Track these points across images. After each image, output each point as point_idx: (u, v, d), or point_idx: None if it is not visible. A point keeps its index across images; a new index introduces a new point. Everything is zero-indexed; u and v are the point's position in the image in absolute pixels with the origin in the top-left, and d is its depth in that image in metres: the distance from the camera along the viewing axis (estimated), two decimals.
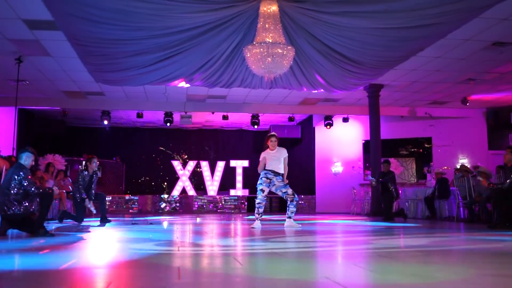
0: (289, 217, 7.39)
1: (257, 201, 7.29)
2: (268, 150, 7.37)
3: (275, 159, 7.28)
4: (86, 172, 8.28)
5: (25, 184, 5.26)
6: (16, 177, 5.27)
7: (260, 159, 7.38)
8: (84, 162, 8.48)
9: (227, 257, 3.55)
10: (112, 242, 4.87)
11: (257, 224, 7.09)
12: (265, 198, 7.32)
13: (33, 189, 5.30)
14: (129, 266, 3.12)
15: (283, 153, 7.35)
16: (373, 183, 10.26)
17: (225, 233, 6.14)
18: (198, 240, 5.09)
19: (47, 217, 9.46)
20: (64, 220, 8.48)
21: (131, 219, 9.83)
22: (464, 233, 6.31)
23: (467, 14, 6.69)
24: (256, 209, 7.28)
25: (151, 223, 7.91)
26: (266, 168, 7.30)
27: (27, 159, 5.47)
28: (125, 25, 7.08)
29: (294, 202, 7.36)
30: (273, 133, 7.61)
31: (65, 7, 6.74)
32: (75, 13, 6.81)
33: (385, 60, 8.63)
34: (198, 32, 7.40)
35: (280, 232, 6.25)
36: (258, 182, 7.31)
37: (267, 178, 7.24)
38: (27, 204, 5.28)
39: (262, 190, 7.25)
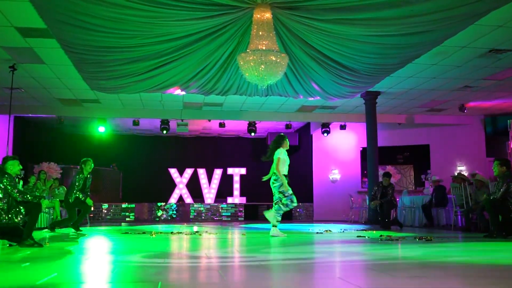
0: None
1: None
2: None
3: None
4: (80, 175, 8.29)
5: (9, 190, 5.18)
6: (1, 186, 5.19)
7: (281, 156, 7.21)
8: (80, 165, 8.45)
9: (211, 271, 3.47)
10: (99, 253, 4.78)
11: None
12: None
13: (15, 192, 5.21)
14: (108, 280, 3.03)
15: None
16: (375, 205, 10.22)
17: (216, 243, 6.05)
18: (185, 251, 5.01)
19: (41, 226, 9.40)
20: (55, 229, 8.39)
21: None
22: (461, 243, 6.21)
23: (463, 21, 6.63)
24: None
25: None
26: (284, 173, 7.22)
27: (12, 167, 5.40)
28: (118, 32, 7.04)
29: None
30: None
31: (57, 15, 6.69)
32: (67, 21, 6.77)
33: (381, 67, 8.57)
34: (192, 40, 7.36)
35: (277, 241, 6.17)
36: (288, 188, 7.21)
37: None
38: (13, 214, 5.19)
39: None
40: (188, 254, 4.68)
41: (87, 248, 5.39)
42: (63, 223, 8.45)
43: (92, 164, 8.49)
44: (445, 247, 5.38)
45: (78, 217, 8.40)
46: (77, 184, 8.20)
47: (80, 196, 8.15)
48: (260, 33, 6.55)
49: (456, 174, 11.34)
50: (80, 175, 8.29)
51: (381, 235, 7.01)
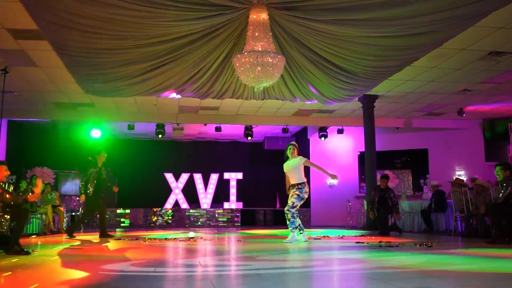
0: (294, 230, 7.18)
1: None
2: (286, 161, 7.36)
3: (291, 170, 7.18)
4: (95, 168, 8.28)
5: None
6: None
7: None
8: (93, 157, 8.47)
9: (203, 281, 3.28)
10: (87, 261, 4.58)
11: (300, 237, 7.08)
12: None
13: (6, 196, 5.02)
14: None
15: (297, 161, 7.20)
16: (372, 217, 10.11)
17: (211, 250, 5.86)
18: (178, 259, 4.82)
19: (32, 232, 9.20)
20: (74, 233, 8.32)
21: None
22: (462, 250, 6.03)
23: (463, 22, 6.49)
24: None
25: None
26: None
27: None
28: (111, 34, 6.85)
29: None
30: (292, 142, 7.57)
31: (49, 16, 6.51)
32: (59, 22, 6.59)
33: (379, 70, 8.41)
34: (187, 41, 7.19)
35: (275, 248, 5.98)
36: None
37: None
38: None
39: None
40: (181, 262, 4.49)
41: (75, 256, 5.19)
42: (78, 225, 8.36)
43: (106, 155, 8.40)
44: (448, 254, 5.20)
45: (73, 223, 8.33)
46: (90, 178, 8.16)
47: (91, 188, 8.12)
48: (256, 34, 6.39)
49: (454, 179, 11.18)
50: (92, 170, 8.16)
51: (380, 241, 6.83)
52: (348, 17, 6.26)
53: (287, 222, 7.10)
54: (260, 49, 6.32)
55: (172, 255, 5.33)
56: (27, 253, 5.01)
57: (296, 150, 7.30)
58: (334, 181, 15.78)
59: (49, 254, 5.17)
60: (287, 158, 7.37)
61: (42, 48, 8.43)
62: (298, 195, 7.00)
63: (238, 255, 5.12)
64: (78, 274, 3.55)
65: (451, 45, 8.09)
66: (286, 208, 7.07)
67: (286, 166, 7.31)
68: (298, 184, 7.06)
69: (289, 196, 7.12)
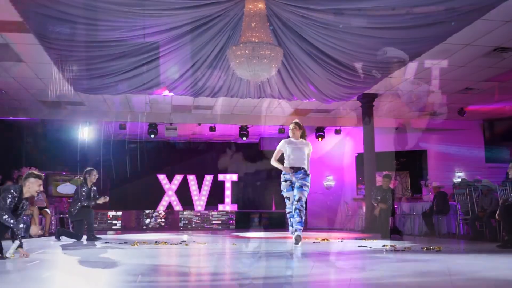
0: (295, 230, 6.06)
1: (286, 210, 6.30)
2: (289, 138, 6.40)
3: (298, 149, 6.23)
4: (84, 188, 8.00)
5: None
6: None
7: (277, 149, 6.32)
8: (83, 175, 8.27)
9: None
10: (64, 268, 4.17)
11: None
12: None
13: (3, 214, 4.64)
14: None
15: (309, 146, 6.39)
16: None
17: (203, 255, 5.47)
18: (165, 265, 4.43)
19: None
20: (61, 238, 8.00)
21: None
22: (472, 254, 5.64)
23: (470, 13, 6.15)
24: (288, 220, 6.26)
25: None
26: (286, 162, 6.19)
27: (31, 185, 4.84)
28: (98, 24, 6.49)
29: (297, 211, 6.04)
30: (295, 120, 6.54)
31: (32, 5, 6.14)
32: (43, 11, 6.24)
33: (380, 66, 8.06)
34: (179, 33, 6.84)
35: (273, 253, 5.59)
36: (281, 188, 6.25)
37: (286, 181, 6.25)
38: None
39: (287, 198, 6.25)
40: (168, 270, 4.08)
41: (53, 261, 4.78)
42: (69, 236, 8.05)
43: (97, 175, 8.09)
44: (461, 260, 4.81)
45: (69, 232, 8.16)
46: (82, 198, 7.93)
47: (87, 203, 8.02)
48: (253, 24, 6.05)
49: (460, 180, 10.85)
50: (84, 189, 7.98)
51: (384, 245, 6.45)
52: (348, 7, 5.91)
53: (298, 220, 6.04)
54: (256, 41, 5.96)
55: (161, 260, 4.93)
56: (3, 258, 4.61)
57: (298, 130, 6.35)
58: (331, 183, 15.45)
59: (26, 259, 4.74)
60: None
61: (27, 41, 8.01)
62: (307, 186, 6.18)
63: (230, 262, 4.73)
64: (51, 283, 3.16)
65: (455, 40, 7.75)
66: (300, 205, 6.01)
67: (292, 145, 6.26)
68: (305, 169, 6.19)
69: (295, 186, 6.08)
